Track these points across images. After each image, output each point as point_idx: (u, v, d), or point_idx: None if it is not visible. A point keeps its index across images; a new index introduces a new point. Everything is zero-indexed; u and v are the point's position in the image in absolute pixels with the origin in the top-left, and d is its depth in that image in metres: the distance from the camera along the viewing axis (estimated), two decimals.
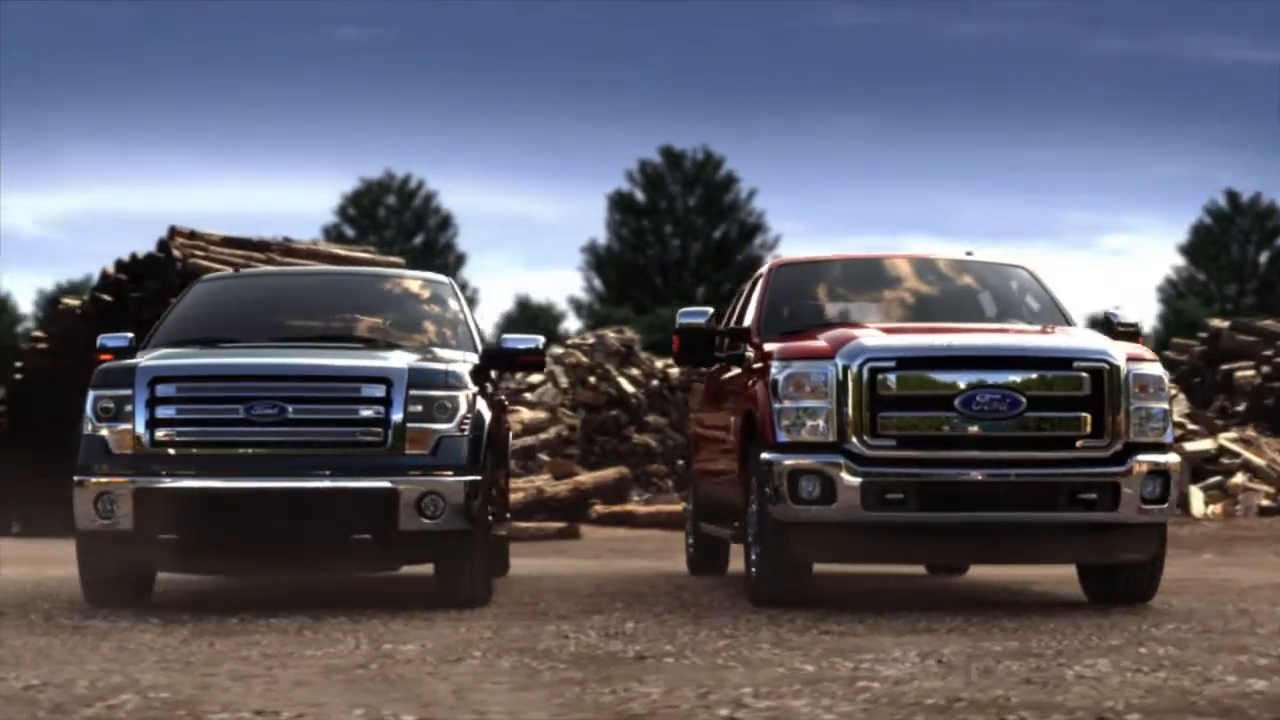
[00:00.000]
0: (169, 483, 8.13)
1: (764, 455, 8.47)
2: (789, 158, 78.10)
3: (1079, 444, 8.31)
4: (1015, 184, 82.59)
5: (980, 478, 8.28)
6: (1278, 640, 6.74)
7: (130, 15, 72.01)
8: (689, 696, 4.94)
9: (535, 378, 27.41)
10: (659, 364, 28.67)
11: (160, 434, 8.20)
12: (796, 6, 72.02)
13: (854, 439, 8.25)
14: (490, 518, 8.85)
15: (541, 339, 10.09)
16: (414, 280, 10.35)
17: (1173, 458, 8.49)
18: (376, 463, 8.20)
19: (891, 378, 8.30)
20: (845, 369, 8.29)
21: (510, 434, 11.96)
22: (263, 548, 8.35)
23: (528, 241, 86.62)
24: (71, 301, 25.52)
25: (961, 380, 8.28)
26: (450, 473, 8.31)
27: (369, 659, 6.03)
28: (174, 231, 24.59)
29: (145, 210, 71.09)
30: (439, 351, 9.18)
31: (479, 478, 8.44)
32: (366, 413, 8.26)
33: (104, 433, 8.26)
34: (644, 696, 4.95)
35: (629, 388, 27.50)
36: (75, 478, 8.30)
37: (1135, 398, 8.41)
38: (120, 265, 24.11)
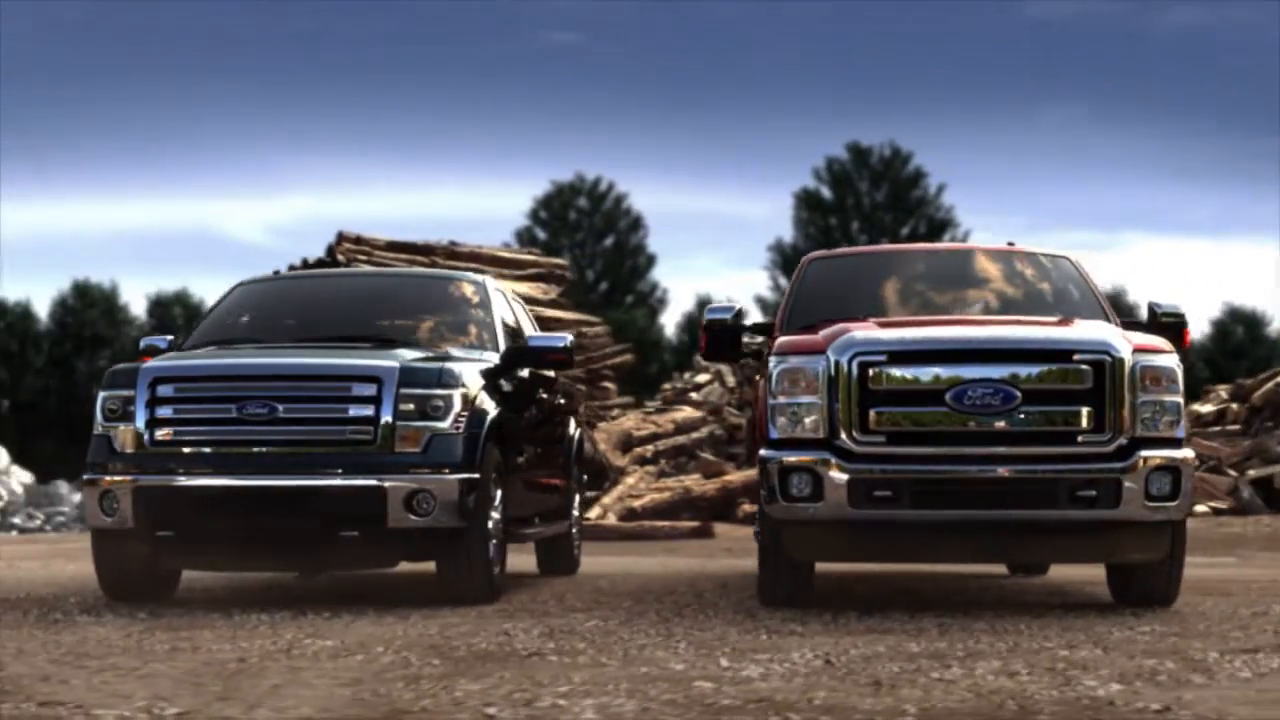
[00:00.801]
0: (166, 481, 8.37)
1: (761, 452, 8.38)
2: (980, 151, 76.80)
3: (1080, 439, 8.03)
4: (1238, 176, 79.78)
5: (971, 474, 8.06)
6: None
7: (339, 25, 73.99)
8: (499, 694, 4.92)
9: (702, 377, 27.44)
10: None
11: (160, 433, 8.44)
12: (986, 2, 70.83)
13: (843, 435, 8.10)
14: (494, 516, 8.86)
15: (569, 337, 10.13)
16: (449, 282, 10.45)
17: (1185, 453, 8.14)
18: (366, 460, 8.31)
19: (881, 372, 8.12)
20: (836, 364, 8.15)
21: (577, 434, 11.97)
22: (254, 544, 8.53)
23: (717, 242, 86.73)
24: None
25: (953, 374, 8.07)
26: (445, 470, 8.39)
27: (254, 654, 6.13)
28: (341, 236, 25.19)
29: (354, 214, 73.15)
30: (451, 350, 9.27)
31: (475, 475, 8.49)
32: (356, 411, 8.38)
33: (110, 432, 8.53)
34: (451, 695, 4.94)
35: None
36: (84, 476, 8.61)
37: (1143, 391, 8.10)
38: (292, 269, 24.80)
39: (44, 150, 75.53)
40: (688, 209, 75.45)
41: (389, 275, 10.74)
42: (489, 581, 8.78)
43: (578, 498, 12.22)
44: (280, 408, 8.35)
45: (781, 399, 8.29)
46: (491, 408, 8.89)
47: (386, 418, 8.33)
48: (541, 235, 58.70)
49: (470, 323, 9.91)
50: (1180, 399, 8.23)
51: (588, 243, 59.02)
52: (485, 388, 8.95)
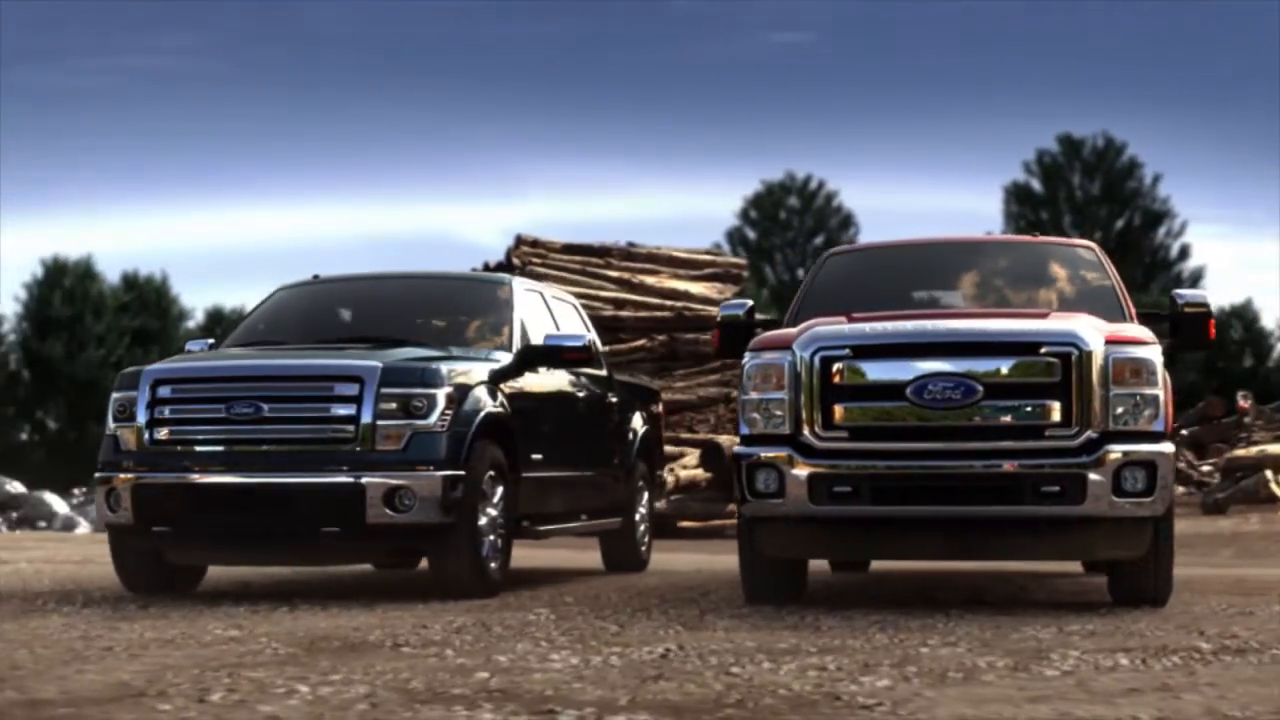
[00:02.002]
0: (161, 478, 8.75)
1: (734, 448, 8.39)
2: (1198, 141, 74.22)
3: (1047, 433, 7.85)
4: None
5: (931, 470, 7.94)
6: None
7: (572, 31, 75.14)
8: (277, 680, 5.08)
9: None
10: None
11: (159, 433, 8.82)
12: None
13: (806, 431, 8.06)
14: (490, 513, 9.01)
15: (587, 335, 10.25)
16: (475, 283, 10.67)
17: (1162, 447, 7.87)
18: (347, 458, 8.55)
19: (844, 367, 8.06)
20: (800, 359, 8.11)
21: (643, 431, 12.06)
22: (241, 540, 8.85)
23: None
24: None
25: (913, 368, 7.96)
26: (428, 468, 8.58)
27: (159, 644, 6.42)
28: (519, 240, 25.71)
29: (579, 217, 74.33)
30: (456, 350, 9.46)
31: (459, 473, 8.67)
32: (338, 410, 8.62)
33: (118, 433, 8.95)
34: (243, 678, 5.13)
35: None
36: (95, 475, 9.05)
37: (1116, 384, 7.87)
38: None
39: (296, 156, 78.27)
40: (897, 206, 74.63)
41: (419, 277, 10.99)
42: (481, 576, 8.93)
43: (646, 494, 12.30)
44: (265, 407, 8.65)
45: (753, 395, 8.27)
46: (489, 406, 9.04)
47: (367, 416, 8.55)
48: (751, 235, 58.76)
49: (488, 323, 10.10)
50: (1160, 391, 7.95)
51: (798, 241, 58.82)
52: (485, 386, 9.12)
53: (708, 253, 28.12)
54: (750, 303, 9.85)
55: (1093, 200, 55.06)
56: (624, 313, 24.01)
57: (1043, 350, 7.88)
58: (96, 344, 44.39)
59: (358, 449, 8.54)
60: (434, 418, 8.65)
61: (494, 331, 10.01)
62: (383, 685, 4.96)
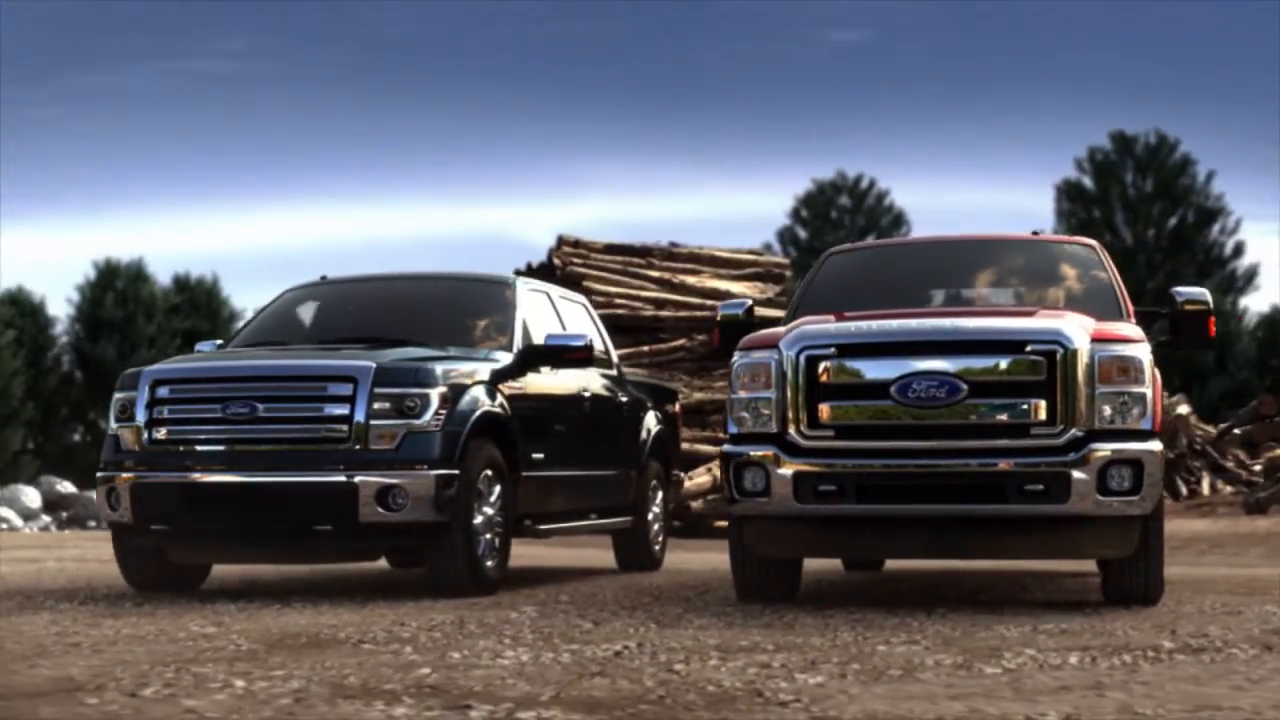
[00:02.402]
0: (158, 477, 8.87)
1: (724, 447, 8.41)
2: (1253, 137, 73.45)
3: (1032, 431, 7.83)
4: None
5: (914, 468, 7.94)
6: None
7: (626, 31, 75.29)
8: (219, 675, 5.15)
9: None
10: None
11: (158, 433, 8.93)
12: None
13: (791, 430, 8.07)
14: (486, 512, 9.08)
15: (587, 335, 10.29)
16: (479, 284, 10.71)
17: (1149, 446, 7.83)
18: (341, 457, 8.63)
19: (830, 366, 8.07)
20: (786, 358, 8.12)
21: (656, 429, 12.09)
22: (236, 538, 8.96)
23: None
24: None
25: (898, 367, 7.95)
26: (421, 467, 8.66)
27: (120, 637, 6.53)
28: (561, 241, 25.77)
29: (631, 217, 74.67)
30: (454, 350, 9.52)
31: (453, 471, 8.73)
32: (332, 410, 8.70)
33: (119, 432, 9.08)
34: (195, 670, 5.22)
35: None
36: (97, 474, 9.19)
37: (1102, 382, 7.84)
38: (518, 274, 25.42)
39: (351, 158, 78.77)
40: (948, 204, 74.32)
41: (425, 278, 11.07)
42: (475, 575, 8.99)
43: (660, 494, 12.33)
44: (260, 407, 8.75)
45: (741, 394, 8.29)
46: (485, 405, 9.10)
47: (360, 416, 8.63)
48: (803, 234, 58.56)
49: (491, 323, 10.16)
50: (1147, 390, 7.91)
51: (850, 240, 58.35)
52: (482, 386, 9.19)
53: (750, 252, 28.06)
54: (750, 302, 9.87)
55: (1145, 198, 54.50)
56: (664, 313, 24.01)
57: (1028, 348, 7.86)
58: (148, 345, 44.89)
59: (352, 448, 8.61)
60: (427, 417, 8.72)
61: (498, 331, 10.08)
62: (319, 681, 5.03)
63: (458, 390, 8.96)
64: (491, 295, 10.43)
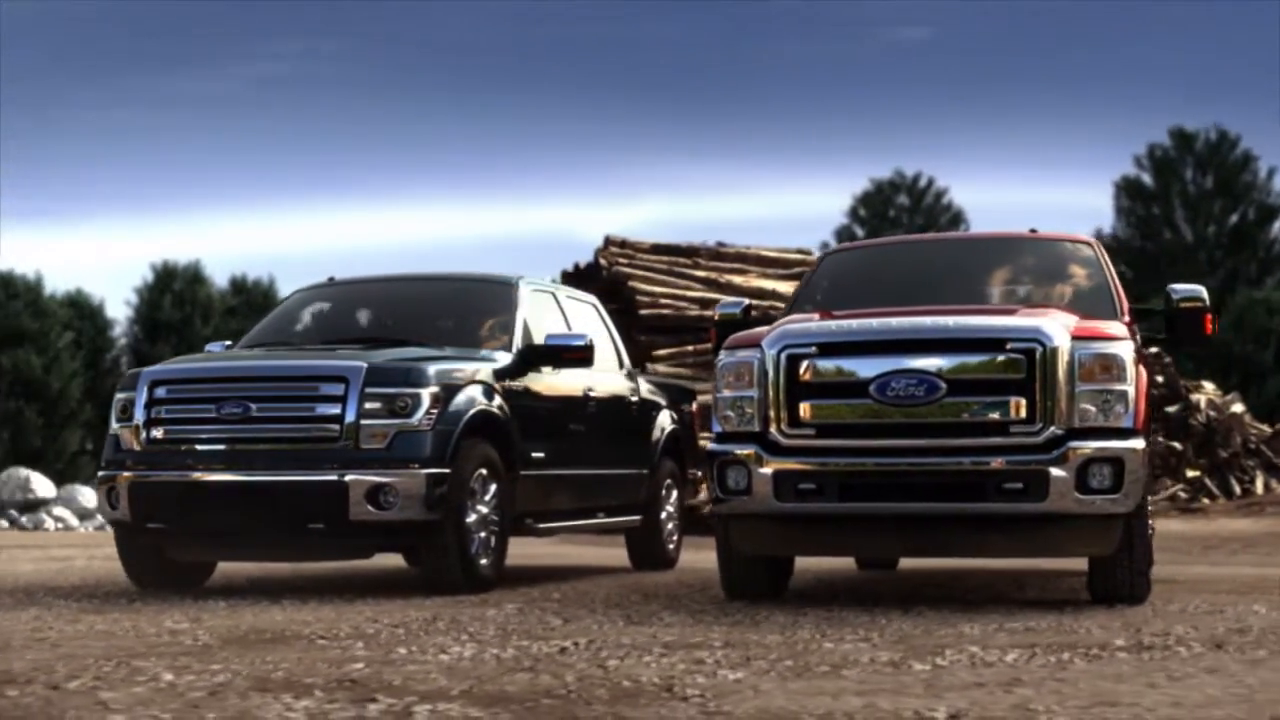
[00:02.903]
0: (155, 476, 9.01)
1: (709, 446, 8.44)
2: None
3: (1012, 430, 7.81)
4: None
5: (893, 466, 7.94)
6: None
7: (687, 30, 75.32)
8: (151, 670, 5.25)
9: None
10: None
11: (156, 433, 9.08)
12: None
13: (772, 428, 8.10)
14: (480, 510, 9.16)
15: (587, 335, 10.34)
16: (481, 285, 10.79)
17: (1131, 444, 7.79)
18: (332, 456, 8.74)
19: (811, 364, 8.08)
20: (768, 357, 8.14)
21: (670, 428, 12.14)
22: (229, 536, 9.08)
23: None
24: None
25: (878, 365, 7.96)
26: (412, 465, 8.75)
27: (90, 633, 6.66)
28: (608, 241, 25.84)
29: (696, 219, 74.70)
30: (451, 350, 9.61)
31: (445, 470, 8.82)
32: (324, 410, 8.82)
33: (119, 432, 9.23)
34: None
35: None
36: (98, 473, 9.35)
37: (1083, 380, 7.81)
38: (566, 275, 25.59)
39: (412, 159, 79.17)
40: (1006, 202, 73.88)
41: (430, 279, 11.16)
42: (469, 572, 9.07)
43: (674, 493, 12.37)
44: (254, 407, 8.88)
45: (726, 393, 8.32)
46: (479, 405, 9.19)
47: (351, 415, 8.74)
48: (860, 234, 58.28)
49: (493, 323, 10.25)
50: (1129, 388, 7.87)
51: None
52: (478, 385, 9.27)
53: (797, 251, 28.04)
54: (747, 302, 9.90)
55: (1205, 195, 53.89)
56: (710, 312, 23.99)
57: (1008, 347, 7.84)
58: (205, 346, 45.41)
59: (343, 447, 8.72)
60: (418, 416, 8.81)
61: (499, 332, 10.16)
62: (247, 675, 5.11)
63: (451, 390, 9.04)
64: (494, 296, 10.51)
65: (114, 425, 9.30)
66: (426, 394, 8.87)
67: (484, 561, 9.25)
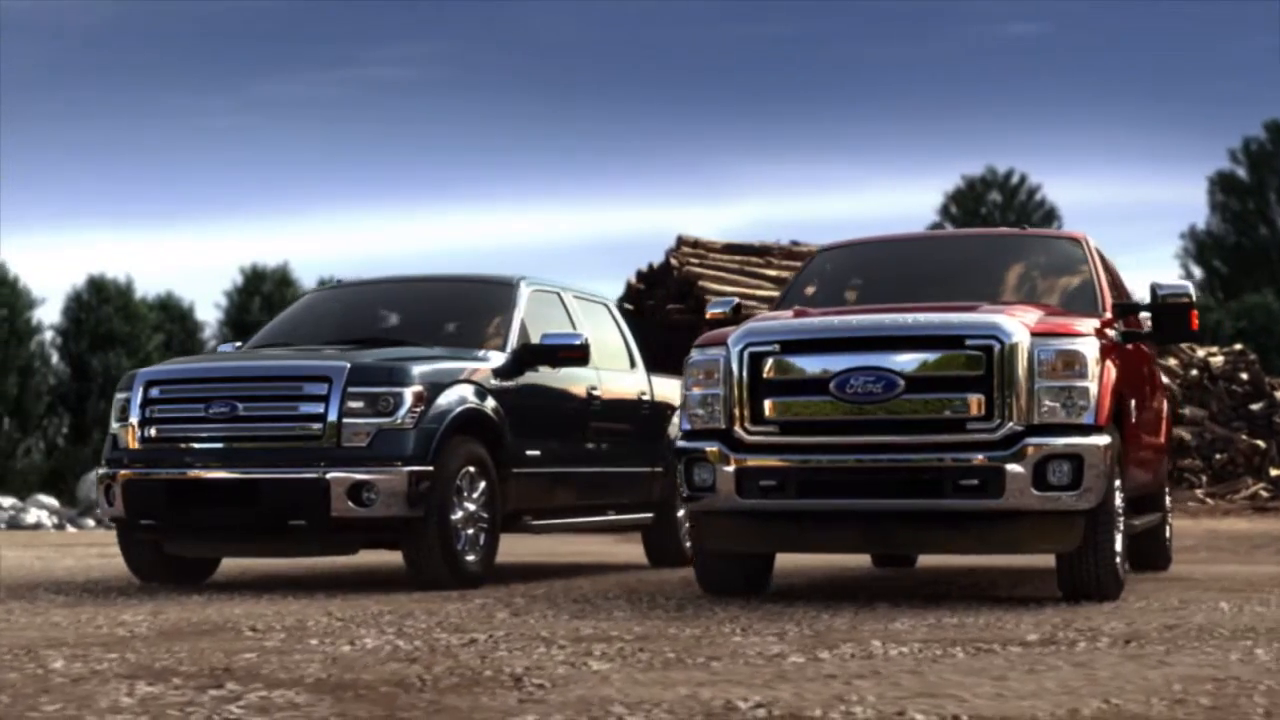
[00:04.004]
0: (146, 474, 9.26)
1: (677, 443, 8.52)
2: None
3: (969, 426, 7.82)
4: None
5: (851, 463, 7.98)
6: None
7: (788, 30, 75.17)
8: (56, 660, 5.44)
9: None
10: (1200, 353, 27.15)
11: (149, 432, 9.33)
12: None
13: (736, 426, 8.16)
14: (468, 507, 9.30)
15: (583, 335, 10.44)
16: (482, 285, 10.93)
17: (1091, 440, 7.77)
18: (315, 454, 8.94)
19: (774, 362, 8.14)
20: (732, 355, 8.21)
21: (667, 427, 12.19)
22: (216, 531, 9.31)
23: (1128, 230, 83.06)
24: None
25: (837, 362, 7.99)
26: (395, 463, 8.92)
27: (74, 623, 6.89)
28: (680, 241, 25.91)
29: (795, 218, 74.55)
30: (440, 349, 9.77)
31: (426, 468, 8.98)
32: (307, 409, 9.02)
33: (118, 431, 9.51)
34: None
35: (1162, 379, 26.13)
36: (98, 471, 9.63)
37: (1043, 376, 7.80)
38: (640, 275, 25.70)
39: (509, 161, 79.69)
40: (1101, 198, 72.87)
41: (434, 280, 11.32)
42: (454, 568, 9.22)
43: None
44: (240, 406, 9.10)
45: (695, 391, 8.40)
46: (467, 403, 9.34)
47: (333, 414, 8.93)
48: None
49: (491, 323, 10.39)
50: (1090, 384, 7.85)
51: None
52: (467, 384, 9.43)
53: None
54: (737, 301, 9.96)
55: None
56: None
57: (966, 343, 7.84)
58: None
59: (326, 445, 8.91)
60: (400, 415, 8.98)
61: (497, 331, 10.30)
62: (135, 664, 5.29)
63: (437, 389, 9.20)
64: (493, 296, 10.65)
65: (113, 424, 9.57)
66: (409, 393, 9.03)
67: (471, 558, 9.38)
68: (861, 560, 12.29)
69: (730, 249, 26.16)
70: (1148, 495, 10.45)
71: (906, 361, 7.88)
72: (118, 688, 4.67)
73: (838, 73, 75.81)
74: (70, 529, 26.26)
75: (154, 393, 9.37)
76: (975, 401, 7.79)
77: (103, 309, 43.23)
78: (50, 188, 72.15)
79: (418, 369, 9.19)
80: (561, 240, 77.42)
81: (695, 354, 8.48)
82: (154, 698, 4.46)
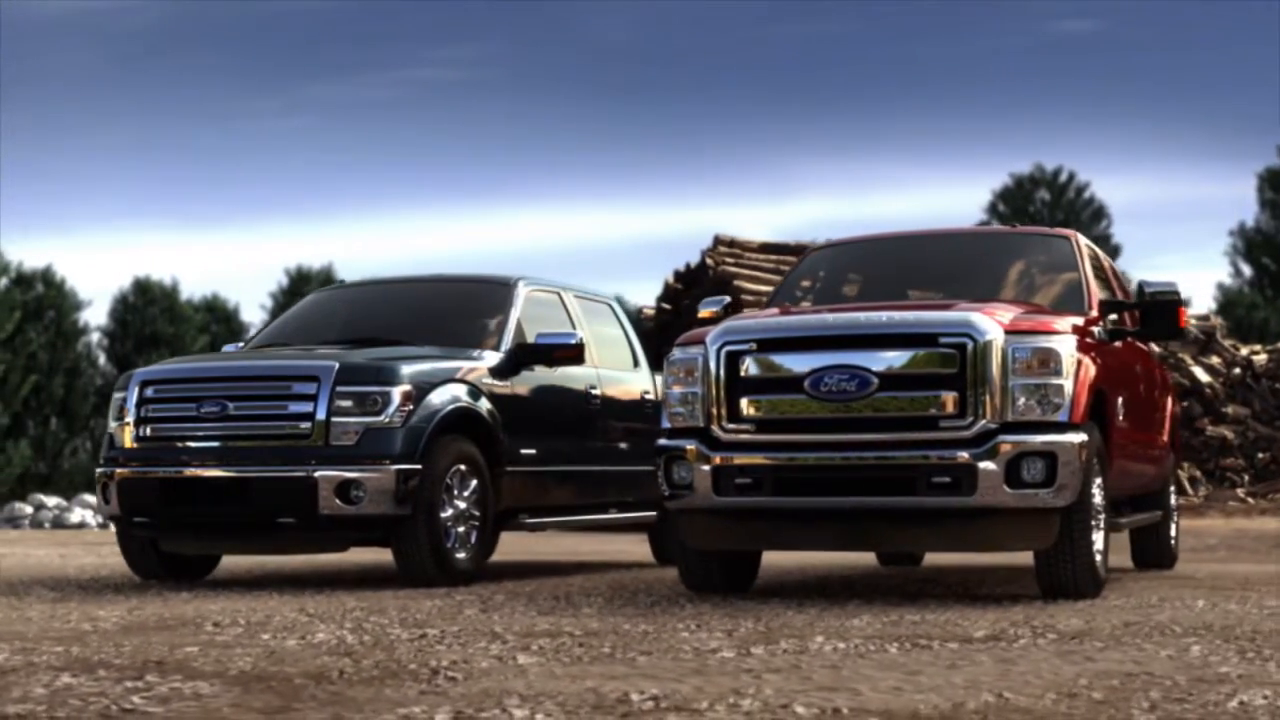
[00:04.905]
0: (140, 473, 9.40)
1: (657, 441, 8.57)
2: None
3: (942, 424, 7.83)
4: None
5: (825, 461, 8.00)
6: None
7: (840, 30, 74.99)
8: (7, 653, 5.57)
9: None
10: (1243, 351, 26.96)
11: (144, 431, 9.47)
12: None
13: (713, 424, 8.21)
14: (458, 505, 9.38)
15: (578, 334, 10.50)
16: (480, 285, 11.01)
17: (1065, 438, 7.76)
18: (304, 453, 9.05)
19: (748, 361, 8.17)
20: (710, 353, 8.25)
21: None
22: (207, 529, 9.44)
23: (1176, 228, 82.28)
24: (648, 311, 26.89)
25: (812, 361, 8.02)
26: (383, 462, 9.02)
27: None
28: (717, 241, 25.95)
29: (850, 217, 74.40)
30: (432, 349, 9.85)
31: (414, 466, 9.08)
32: (296, 408, 9.14)
33: (115, 431, 9.65)
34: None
35: (1204, 377, 26.02)
36: (96, 470, 9.79)
37: (1017, 374, 7.80)
38: (677, 275, 25.75)
39: (561, 161, 79.83)
40: (1150, 196, 72.30)
41: (434, 280, 11.41)
42: (443, 566, 9.29)
43: None
44: (231, 405, 9.23)
45: (675, 389, 8.45)
46: (458, 402, 9.43)
47: (322, 413, 9.04)
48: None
49: (487, 323, 10.47)
50: (1065, 381, 7.84)
51: None
52: (458, 383, 9.52)
53: None
54: (729, 299, 9.97)
55: None
56: None
57: (939, 341, 7.86)
58: None
59: (314, 444, 9.01)
60: (389, 414, 9.08)
61: (494, 331, 10.37)
62: (75, 657, 5.40)
63: (427, 388, 9.29)
64: (490, 296, 10.72)
65: (111, 423, 9.72)
66: (397, 392, 9.12)
67: (461, 555, 9.47)
68: (867, 558, 12.30)
69: (766, 248, 26.17)
70: (1145, 494, 10.42)
71: (881, 360, 7.90)
72: (40, 679, 4.76)
73: (889, 71, 75.68)
74: (113, 528, 26.57)
75: (149, 392, 9.51)
76: (949, 399, 7.80)
77: (148, 310, 43.73)
78: (97, 189, 73.04)
79: (406, 368, 9.28)
80: (614, 241, 77.66)
81: (676, 352, 8.52)
82: (67, 689, 4.55)
